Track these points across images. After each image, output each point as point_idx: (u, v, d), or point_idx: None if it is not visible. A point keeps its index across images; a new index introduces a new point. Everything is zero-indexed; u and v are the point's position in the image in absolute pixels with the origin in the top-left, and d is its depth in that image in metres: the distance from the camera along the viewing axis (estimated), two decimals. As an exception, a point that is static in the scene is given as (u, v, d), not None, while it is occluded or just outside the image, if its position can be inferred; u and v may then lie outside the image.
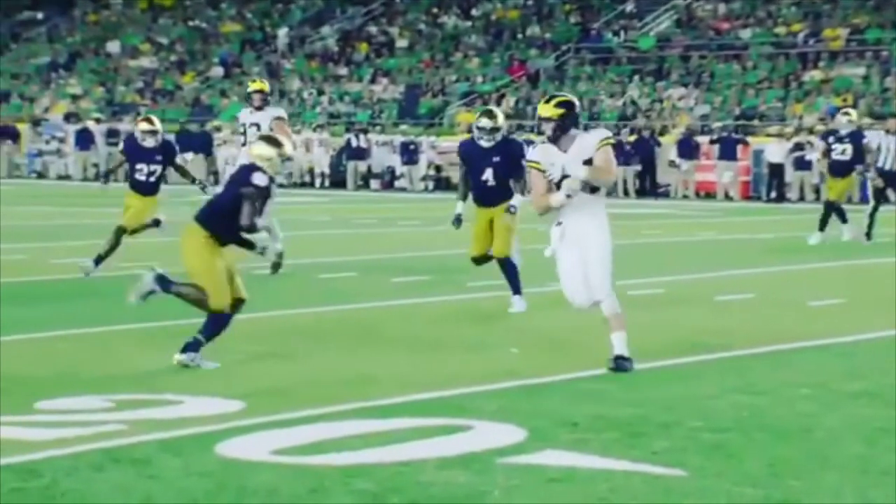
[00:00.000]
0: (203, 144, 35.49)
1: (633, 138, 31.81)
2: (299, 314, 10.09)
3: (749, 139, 31.32)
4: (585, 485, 4.98)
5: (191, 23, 46.67)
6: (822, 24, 36.40)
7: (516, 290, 10.47)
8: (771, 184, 29.82)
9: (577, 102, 7.44)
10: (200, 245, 7.35)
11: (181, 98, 41.77)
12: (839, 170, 17.05)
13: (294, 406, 6.43)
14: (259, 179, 7.37)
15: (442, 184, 33.21)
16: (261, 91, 13.47)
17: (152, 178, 12.71)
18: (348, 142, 34.33)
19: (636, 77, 36.37)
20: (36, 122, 38.46)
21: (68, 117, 38.90)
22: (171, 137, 36.09)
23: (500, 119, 10.34)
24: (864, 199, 29.00)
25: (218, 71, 42.78)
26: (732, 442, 5.67)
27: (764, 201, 29.73)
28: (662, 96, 35.20)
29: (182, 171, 13.12)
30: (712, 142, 30.52)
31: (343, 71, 41.30)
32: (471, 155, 10.34)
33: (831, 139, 17.14)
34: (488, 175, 10.30)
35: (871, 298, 11.38)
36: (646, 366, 7.44)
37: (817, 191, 29.51)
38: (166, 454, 5.35)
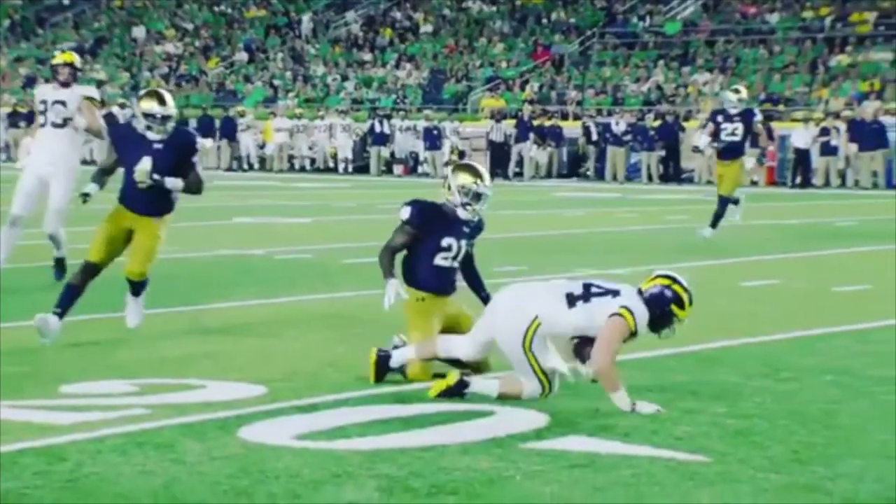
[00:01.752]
0: (227, 130, 35.59)
1: (657, 123, 31.69)
2: (322, 300, 10.11)
3: (774, 125, 31.15)
4: (607, 470, 4.97)
5: (216, 8, 46.72)
6: (849, 9, 36.13)
7: None
8: (796, 169, 29.65)
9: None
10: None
11: (205, 83, 41.86)
12: (727, 152, 15.18)
13: (317, 391, 6.43)
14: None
15: (465, 169, 33.05)
16: (69, 64, 10.56)
17: None
18: (372, 127, 34.32)
19: (661, 62, 36.19)
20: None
21: (94, 103, 39.09)
22: (194, 122, 36.53)
23: None
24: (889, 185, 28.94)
25: (242, 56, 42.84)
26: (756, 428, 5.65)
27: (789, 187, 29.56)
28: (688, 81, 35.03)
29: None
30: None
31: (367, 56, 41.28)
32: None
33: (720, 118, 15.26)
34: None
35: (898, 284, 11.30)
36: (670, 351, 7.41)
37: (843, 176, 29.36)
38: (189, 438, 5.36)
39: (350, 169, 34.84)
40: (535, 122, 32.99)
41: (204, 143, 35.65)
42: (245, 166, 35.79)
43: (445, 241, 6.59)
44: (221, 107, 37.96)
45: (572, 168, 33.06)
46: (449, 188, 6.80)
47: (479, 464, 5.04)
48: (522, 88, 36.82)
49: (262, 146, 36.25)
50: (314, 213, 19.52)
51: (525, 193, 26.62)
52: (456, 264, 6.76)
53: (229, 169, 35.27)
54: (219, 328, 8.51)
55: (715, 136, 15.20)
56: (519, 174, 32.32)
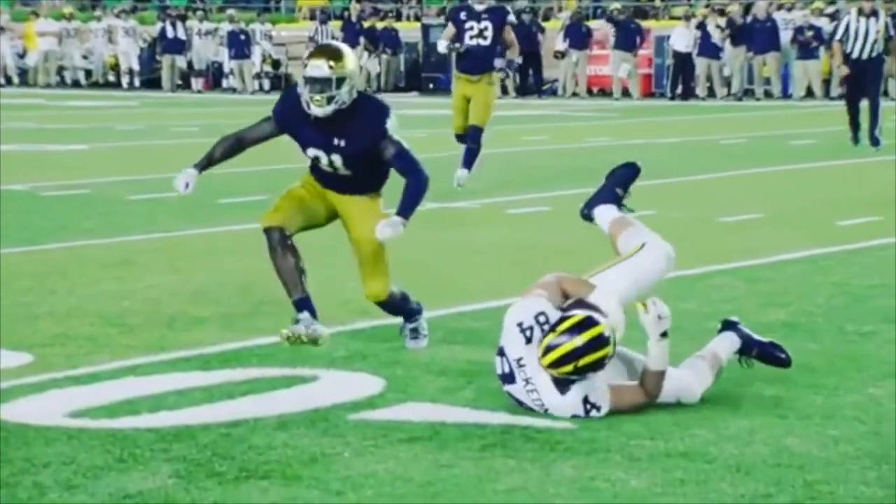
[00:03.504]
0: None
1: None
2: (103, 245, 9.94)
3: (650, 24, 31.69)
4: (455, 443, 5.03)
5: None
6: None
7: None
8: (677, 77, 30.32)
9: None
10: None
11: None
12: (470, 63, 13.25)
13: (95, 358, 6.35)
14: None
15: (280, 82, 32.88)
16: None
17: None
18: (163, 31, 33.70)
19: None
20: None
21: None
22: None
23: None
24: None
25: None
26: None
27: (668, 98, 30.22)
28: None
29: None
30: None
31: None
32: None
33: (462, 15, 13.42)
34: None
35: (791, 212, 11.69)
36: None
37: (728, 84, 30.11)
38: (-66, 421, 5.25)
39: (136, 83, 34.22)
40: (366, 25, 32.89)
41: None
42: (2, 80, 34.87)
43: (310, 152, 6.47)
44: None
45: (411, 80, 33.13)
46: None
47: (300, 440, 5.06)
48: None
49: (22, 55, 35.34)
50: (91, 138, 19.14)
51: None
52: (342, 173, 6.47)
53: (-18, 84, 34.33)
54: (-29, 283, 8.31)
55: (458, 40, 13.32)
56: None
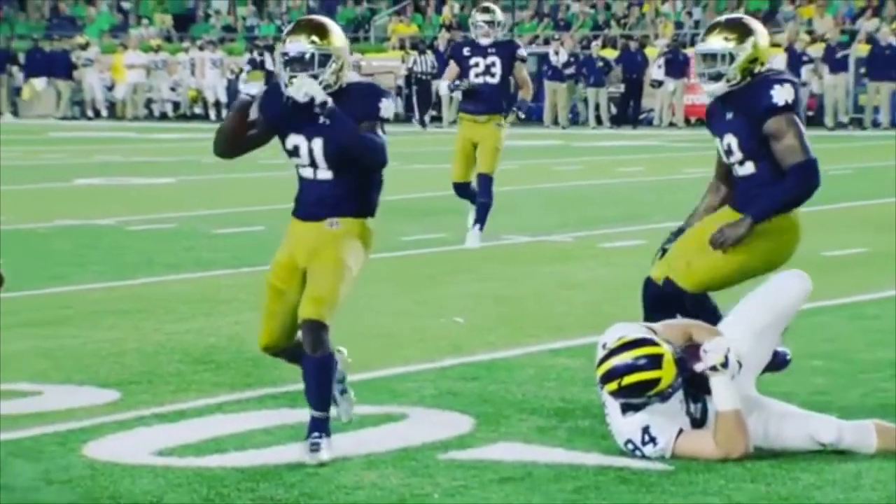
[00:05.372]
0: (64, 67, 35.08)
1: (611, 52, 31.87)
2: (189, 280, 10.06)
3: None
4: (548, 484, 5.02)
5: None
6: None
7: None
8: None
9: None
10: None
11: (34, 6, 41.19)
12: (476, 103, 12.11)
13: (182, 395, 6.42)
14: None
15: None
16: None
17: None
18: (251, 61, 34.08)
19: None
20: None
21: None
22: (21, 58, 35.96)
23: None
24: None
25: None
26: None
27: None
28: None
29: None
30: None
31: (242, -28, 40.96)
32: None
33: (465, 51, 12.35)
34: None
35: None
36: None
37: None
38: (20, 459, 5.33)
39: (224, 115, 34.56)
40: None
41: (34, 85, 35.29)
42: (89, 113, 35.40)
43: (290, 142, 5.65)
44: (55, 37, 37.39)
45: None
46: None
47: (388, 480, 5.07)
48: (438, 11, 36.82)
49: (110, 87, 35.85)
50: (178, 172, 19.38)
51: (444, 141, 26.62)
52: (323, 177, 5.62)
53: (69, 117, 34.85)
54: (57, 318, 8.43)
55: (462, 78, 12.19)
56: (437, 118, 32.32)
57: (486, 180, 11.86)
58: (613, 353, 5.31)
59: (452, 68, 12.35)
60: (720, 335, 5.51)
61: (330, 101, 5.53)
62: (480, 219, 11.80)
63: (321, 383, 5.46)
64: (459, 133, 12.21)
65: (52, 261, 10.91)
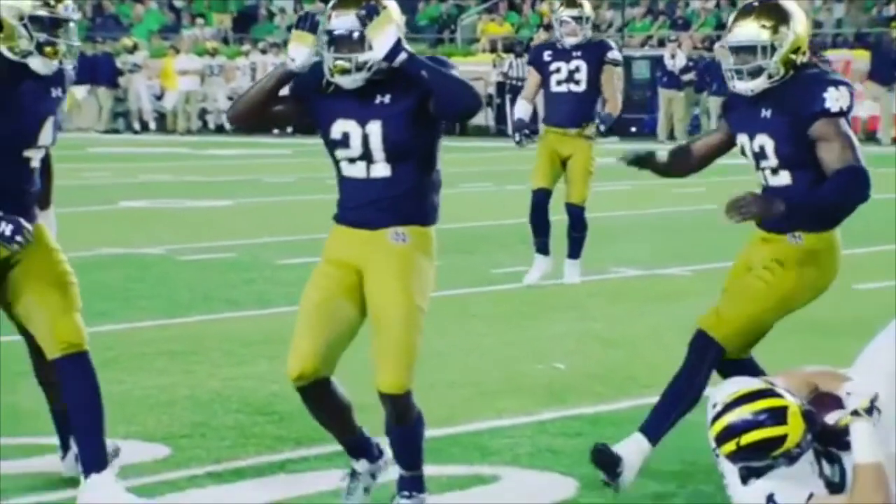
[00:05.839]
0: (108, 73, 35.43)
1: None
2: (249, 318, 10.11)
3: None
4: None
5: None
6: None
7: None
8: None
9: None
10: None
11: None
12: (560, 114, 11.89)
13: (240, 451, 6.45)
14: None
15: (455, 127, 33.14)
16: None
17: None
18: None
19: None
20: None
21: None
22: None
23: None
24: None
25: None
26: None
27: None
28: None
29: None
30: None
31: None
32: None
33: (546, 55, 12.04)
34: None
35: None
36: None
37: None
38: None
39: (289, 128, 34.80)
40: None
41: (74, 93, 35.67)
42: (136, 126, 35.73)
43: (337, 129, 5.44)
44: (98, 39, 37.88)
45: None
46: None
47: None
48: (535, 8, 36.87)
49: (159, 96, 36.16)
50: (237, 193, 19.50)
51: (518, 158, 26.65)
52: (380, 174, 5.42)
53: (112, 130, 35.21)
54: (99, 361, 8.35)
55: (544, 87, 12.02)
56: (534, 132, 32.28)
57: (577, 213, 11.75)
58: (728, 407, 5.16)
59: (532, 79, 12.18)
60: (845, 378, 5.40)
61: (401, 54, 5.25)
62: (575, 251, 11.73)
63: (412, 448, 5.48)
64: (542, 145, 12.01)
65: (94, 295, 10.96)
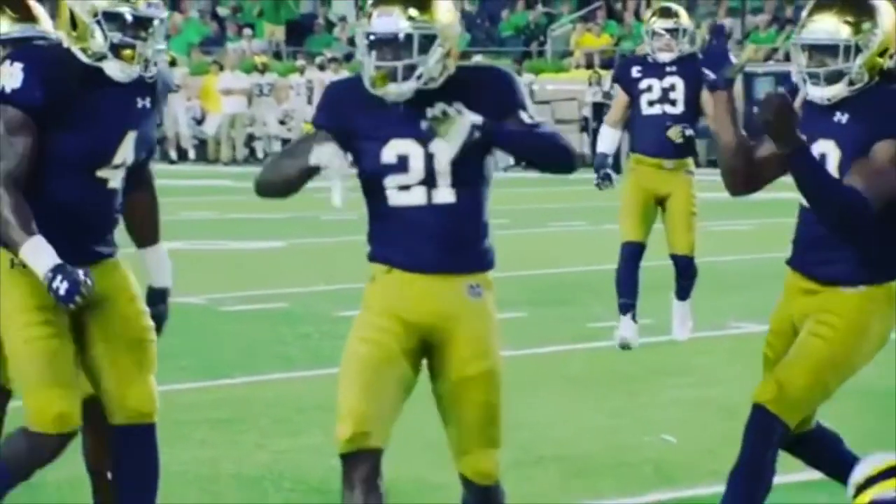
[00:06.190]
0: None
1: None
2: (305, 379, 10.14)
3: None
4: None
5: None
6: None
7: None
8: None
9: None
10: None
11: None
12: (656, 142, 11.75)
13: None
14: None
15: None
16: None
17: None
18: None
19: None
20: None
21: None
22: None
23: None
24: None
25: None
26: None
27: None
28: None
29: None
30: None
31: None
32: None
33: (636, 71, 11.88)
34: None
35: None
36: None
37: None
38: None
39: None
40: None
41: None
42: (172, 155, 35.93)
43: (389, 152, 5.45)
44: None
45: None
46: None
47: None
48: (638, 15, 36.89)
49: (200, 120, 36.32)
50: (290, 233, 19.57)
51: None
52: (443, 200, 5.41)
53: (146, 159, 35.45)
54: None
55: (631, 106, 11.93)
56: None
57: (687, 264, 11.67)
58: (871, 482, 5.24)
59: (619, 99, 12.09)
60: None
61: (479, 118, 5.28)
62: (684, 292, 11.62)
63: None
64: (631, 181, 11.87)
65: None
